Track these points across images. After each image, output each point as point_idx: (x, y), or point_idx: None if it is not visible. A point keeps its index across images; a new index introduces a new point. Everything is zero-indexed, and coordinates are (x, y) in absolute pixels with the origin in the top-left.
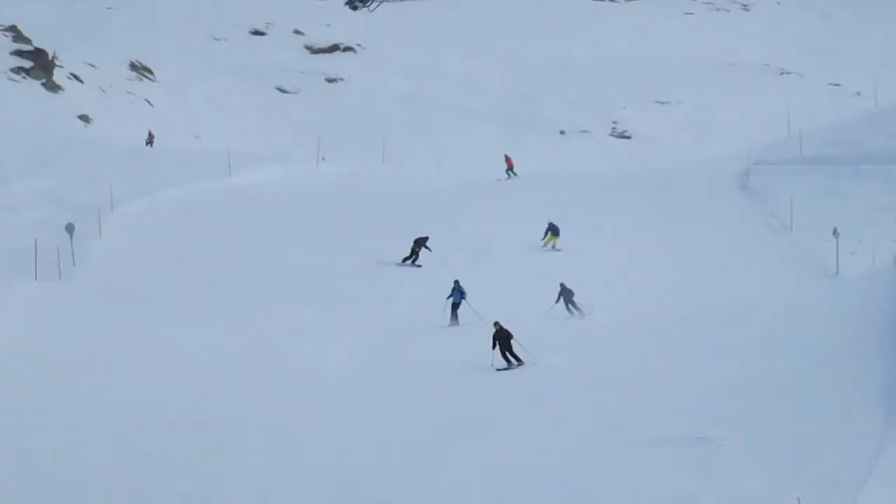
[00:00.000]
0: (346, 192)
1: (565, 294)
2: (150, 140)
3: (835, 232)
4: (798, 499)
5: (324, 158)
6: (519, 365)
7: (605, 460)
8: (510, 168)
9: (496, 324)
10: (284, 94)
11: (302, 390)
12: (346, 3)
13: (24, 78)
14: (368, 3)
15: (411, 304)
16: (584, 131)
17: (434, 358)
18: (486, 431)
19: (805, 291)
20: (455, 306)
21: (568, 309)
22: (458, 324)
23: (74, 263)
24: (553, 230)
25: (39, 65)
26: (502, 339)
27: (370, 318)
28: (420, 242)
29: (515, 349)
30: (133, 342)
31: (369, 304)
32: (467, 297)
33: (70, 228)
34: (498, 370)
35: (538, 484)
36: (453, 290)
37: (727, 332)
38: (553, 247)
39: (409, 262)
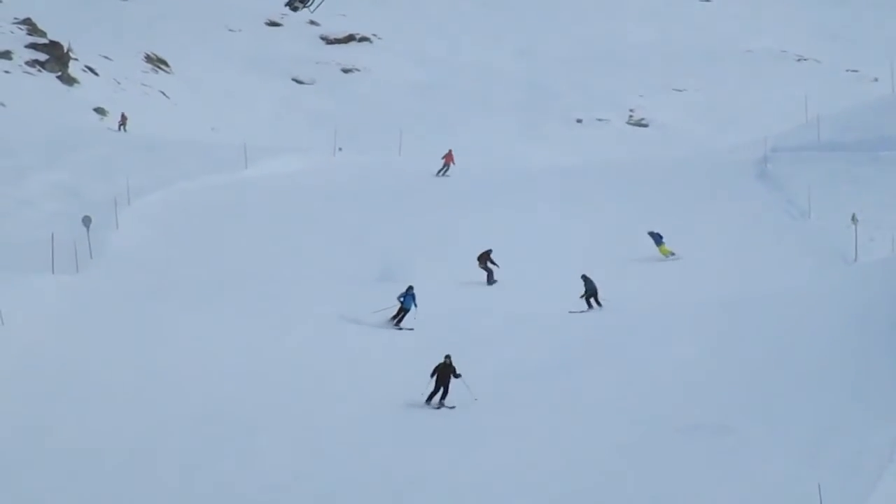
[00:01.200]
0: (362, 184)
1: (588, 286)
2: (122, 123)
3: (853, 218)
4: (818, 485)
5: (340, 149)
6: (446, 407)
7: (628, 449)
8: (446, 165)
9: (447, 357)
10: (300, 85)
11: (314, 383)
12: (287, 4)
13: (40, 71)
14: (309, 4)
15: (428, 300)
16: (600, 119)
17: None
18: (509, 420)
19: (824, 278)
20: (404, 311)
21: (589, 303)
22: (399, 329)
23: (91, 256)
24: (656, 239)
25: (54, 57)
26: (445, 372)
27: (385, 315)
28: (485, 258)
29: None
30: (149, 336)
31: (385, 300)
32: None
33: (87, 221)
34: (437, 408)
35: (565, 470)
36: (406, 294)
37: (746, 319)
38: (670, 254)
39: (490, 282)
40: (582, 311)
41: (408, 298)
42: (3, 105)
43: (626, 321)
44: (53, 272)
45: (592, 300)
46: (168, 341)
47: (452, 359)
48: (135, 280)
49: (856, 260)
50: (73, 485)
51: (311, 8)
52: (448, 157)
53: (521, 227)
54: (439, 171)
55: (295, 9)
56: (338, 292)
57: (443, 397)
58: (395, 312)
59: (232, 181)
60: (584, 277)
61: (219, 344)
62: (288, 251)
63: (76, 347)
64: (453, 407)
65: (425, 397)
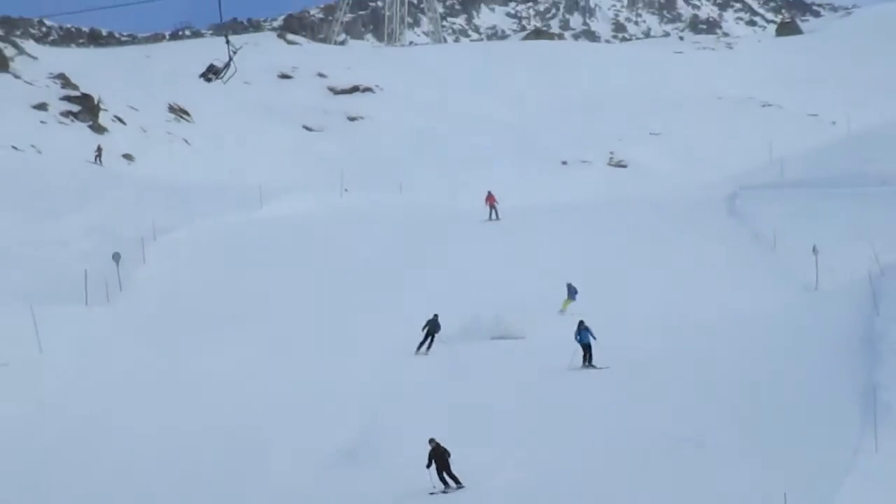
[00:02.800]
0: (368, 221)
1: (432, 327)
2: (98, 155)
3: (814, 249)
4: (784, 495)
5: (346, 190)
6: (459, 488)
7: (613, 462)
8: (492, 207)
9: (431, 441)
10: (310, 132)
11: (325, 406)
12: (201, 76)
13: (73, 121)
14: (221, 76)
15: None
16: (584, 161)
17: (452, 357)
18: (499, 434)
19: (788, 305)
20: (587, 349)
21: (421, 343)
22: (597, 368)
23: (121, 289)
24: (570, 293)
25: (86, 108)
26: (439, 456)
27: (388, 341)
28: None
29: (454, 469)
30: (174, 361)
31: (388, 328)
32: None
33: (116, 258)
34: (431, 493)
35: (553, 478)
36: (580, 331)
37: (718, 342)
38: (564, 309)
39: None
40: (419, 351)
41: (584, 334)
42: (39, 152)
43: (610, 343)
44: (87, 304)
45: (429, 340)
46: (189, 367)
47: (438, 440)
48: (161, 310)
49: (816, 288)
50: (108, 481)
51: (224, 79)
52: (490, 199)
53: (514, 259)
54: (490, 216)
55: (209, 80)
56: (344, 321)
57: (455, 480)
58: (583, 353)
59: (249, 219)
60: (435, 316)
61: (235, 369)
62: (299, 284)
63: (108, 371)
64: (461, 485)
65: (437, 489)
